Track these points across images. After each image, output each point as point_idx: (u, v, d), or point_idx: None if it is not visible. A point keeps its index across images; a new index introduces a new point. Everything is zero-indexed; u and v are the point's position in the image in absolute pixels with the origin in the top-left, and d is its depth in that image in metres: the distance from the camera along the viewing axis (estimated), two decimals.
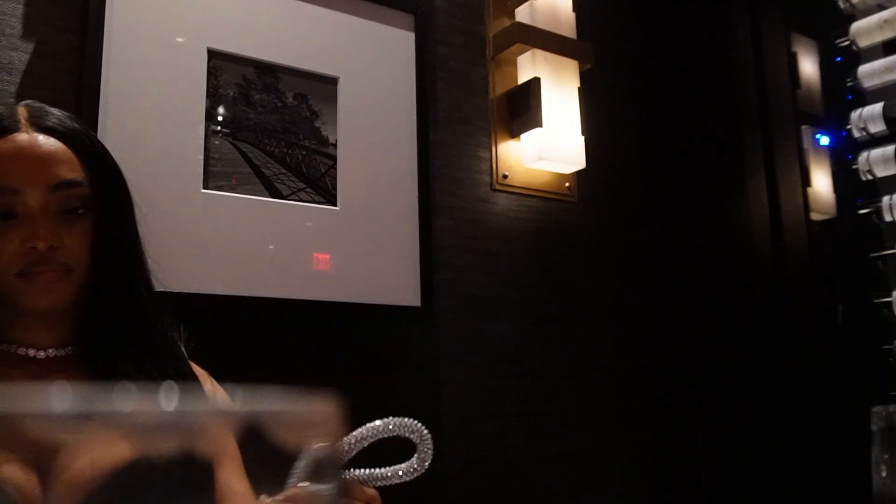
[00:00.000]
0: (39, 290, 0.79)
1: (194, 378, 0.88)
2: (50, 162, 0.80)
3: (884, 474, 0.52)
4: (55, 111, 0.85)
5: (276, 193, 1.41)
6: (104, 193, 0.83)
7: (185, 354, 0.89)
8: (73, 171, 0.81)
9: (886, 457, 0.52)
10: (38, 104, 0.86)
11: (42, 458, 0.70)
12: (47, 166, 0.80)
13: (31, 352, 0.81)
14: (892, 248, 1.80)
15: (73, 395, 0.19)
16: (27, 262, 0.78)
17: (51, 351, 0.82)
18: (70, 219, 0.81)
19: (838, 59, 1.95)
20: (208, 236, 1.32)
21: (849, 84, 1.90)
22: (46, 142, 0.81)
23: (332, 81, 1.51)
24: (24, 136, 0.80)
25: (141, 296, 0.86)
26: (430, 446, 0.74)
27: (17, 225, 0.78)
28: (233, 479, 0.60)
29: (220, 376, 0.93)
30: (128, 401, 0.20)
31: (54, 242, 0.78)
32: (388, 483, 0.77)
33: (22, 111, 0.83)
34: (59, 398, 0.19)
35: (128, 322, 0.84)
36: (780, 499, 1.74)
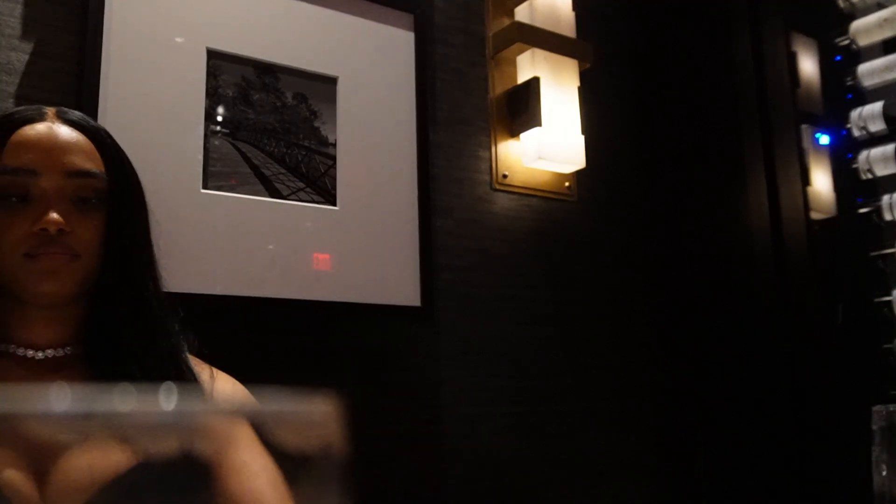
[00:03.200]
0: (43, 272, 0.78)
1: (197, 380, 0.87)
2: (70, 150, 0.82)
3: (884, 473, 0.52)
4: (77, 112, 0.88)
5: (275, 193, 1.41)
6: (121, 191, 0.84)
7: (188, 358, 0.88)
8: (91, 162, 0.83)
9: (886, 456, 0.52)
10: (63, 107, 0.88)
11: (40, 462, 0.69)
12: (66, 153, 0.81)
13: (30, 352, 0.81)
14: (892, 248, 1.80)
15: (72, 397, 0.19)
16: (35, 242, 0.78)
17: (49, 351, 0.82)
18: (84, 208, 0.81)
19: (838, 58, 1.95)
20: (208, 236, 1.32)
21: (848, 83, 1.90)
22: (70, 132, 0.83)
23: (331, 81, 1.51)
24: (49, 125, 0.82)
25: (148, 297, 0.85)
26: None
27: (30, 207, 0.79)
28: (254, 459, 0.59)
29: None
30: (126, 403, 0.20)
31: (65, 227, 0.79)
32: None
33: (50, 109, 0.85)
34: (58, 400, 0.19)
35: (131, 323, 0.83)
36: (781, 498, 1.74)
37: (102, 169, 0.83)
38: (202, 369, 0.91)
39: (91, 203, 0.82)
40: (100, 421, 0.20)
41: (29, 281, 0.79)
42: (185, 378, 0.85)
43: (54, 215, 0.78)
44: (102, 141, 0.85)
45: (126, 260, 0.84)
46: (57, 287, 0.79)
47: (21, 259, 0.78)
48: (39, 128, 0.82)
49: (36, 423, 0.20)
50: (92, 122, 0.87)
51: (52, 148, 0.81)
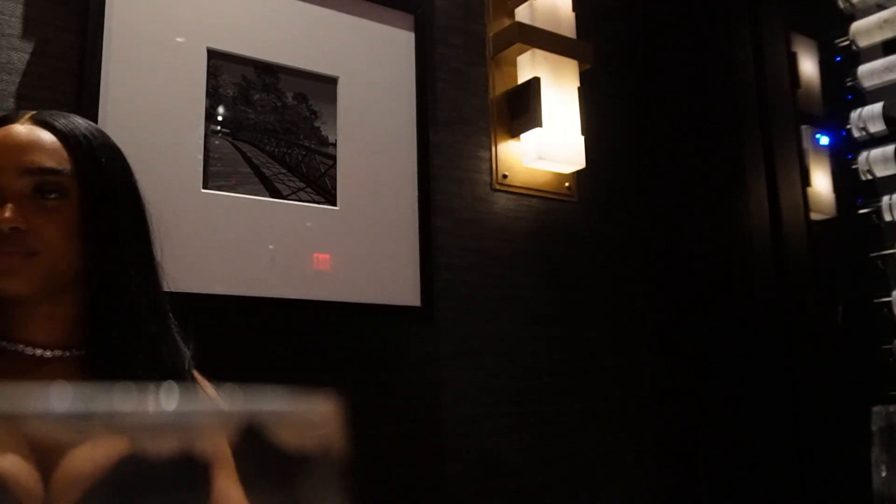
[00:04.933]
0: None
1: (195, 381, 0.88)
2: (30, 148, 0.81)
3: (884, 474, 0.52)
4: (70, 116, 0.87)
5: (275, 193, 1.41)
6: (92, 189, 0.83)
7: (188, 358, 0.88)
8: (54, 160, 0.82)
9: (886, 457, 0.52)
10: (52, 110, 0.88)
11: (45, 458, 0.70)
12: (27, 152, 0.81)
13: (38, 351, 0.82)
14: (892, 248, 1.80)
15: (76, 394, 0.19)
16: None
17: (57, 351, 0.82)
18: (44, 203, 0.81)
19: (838, 58, 1.95)
20: (208, 236, 1.32)
21: (848, 84, 1.90)
22: (35, 131, 0.82)
23: (331, 81, 1.51)
24: (18, 126, 0.82)
25: (133, 297, 0.84)
26: None
27: None
28: (230, 486, 0.60)
29: (220, 376, 0.93)
30: (129, 401, 0.20)
31: (19, 225, 0.78)
32: None
33: (28, 112, 0.85)
34: (62, 397, 0.19)
35: (122, 323, 0.83)
36: (781, 499, 1.74)
37: (71, 167, 0.82)
38: (204, 384, 0.91)
39: (52, 200, 0.81)
40: (102, 419, 0.20)
41: None
42: (186, 380, 0.85)
43: (6, 213, 0.77)
44: (74, 139, 0.84)
45: (103, 257, 0.83)
46: (11, 285, 0.79)
47: None
48: (8, 128, 0.82)
49: (40, 420, 0.20)
50: (68, 122, 0.85)
51: (11, 147, 0.80)
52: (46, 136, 0.83)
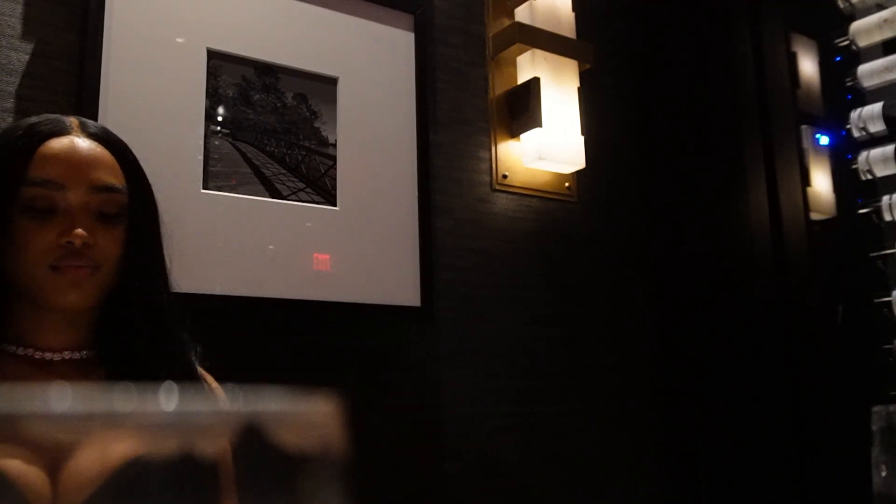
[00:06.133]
0: (68, 284, 0.81)
1: (202, 383, 0.89)
2: (96, 165, 0.84)
3: (884, 474, 0.52)
4: (101, 125, 0.91)
5: (275, 193, 1.41)
6: (139, 205, 0.87)
7: (195, 363, 0.90)
8: (115, 177, 0.85)
9: (886, 457, 0.52)
10: (85, 118, 0.91)
11: (53, 458, 0.71)
12: (92, 168, 0.84)
13: (48, 355, 0.83)
14: (892, 248, 1.80)
15: (84, 396, 0.19)
16: (60, 255, 0.80)
17: (66, 353, 0.84)
18: (105, 221, 0.84)
19: (838, 58, 1.95)
20: (208, 236, 1.32)
21: (848, 84, 1.90)
22: (93, 146, 0.85)
23: (331, 82, 1.51)
24: (74, 139, 0.85)
25: (161, 307, 0.88)
26: None
27: (55, 219, 0.81)
28: None
29: (221, 376, 0.93)
30: (138, 403, 0.20)
31: (89, 240, 0.81)
32: None
33: (73, 120, 0.87)
34: (70, 399, 0.19)
35: (145, 328, 0.86)
36: (781, 499, 1.74)
37: (123, 183, 0.86)
38: (212, 383, 0.93)
39: (113, 217, 0.84)
40: (111, 420, 0.20)
41: (53, 292, 0.81)
42: (194, 381, 0.87)
43: (80, 230, 0.80)
44: (123, 155, 0.88)
45: (142, 270, 0.87)
46: (79, 299, 0.82)
47: (46, 271, 0.80)
48: (65, 141, 0.84)
49: (49, 421, 0.20)
50: (112, 134, 0.89)
51: (79, 162, 0.83)
52: (104, 152, 0.86)
